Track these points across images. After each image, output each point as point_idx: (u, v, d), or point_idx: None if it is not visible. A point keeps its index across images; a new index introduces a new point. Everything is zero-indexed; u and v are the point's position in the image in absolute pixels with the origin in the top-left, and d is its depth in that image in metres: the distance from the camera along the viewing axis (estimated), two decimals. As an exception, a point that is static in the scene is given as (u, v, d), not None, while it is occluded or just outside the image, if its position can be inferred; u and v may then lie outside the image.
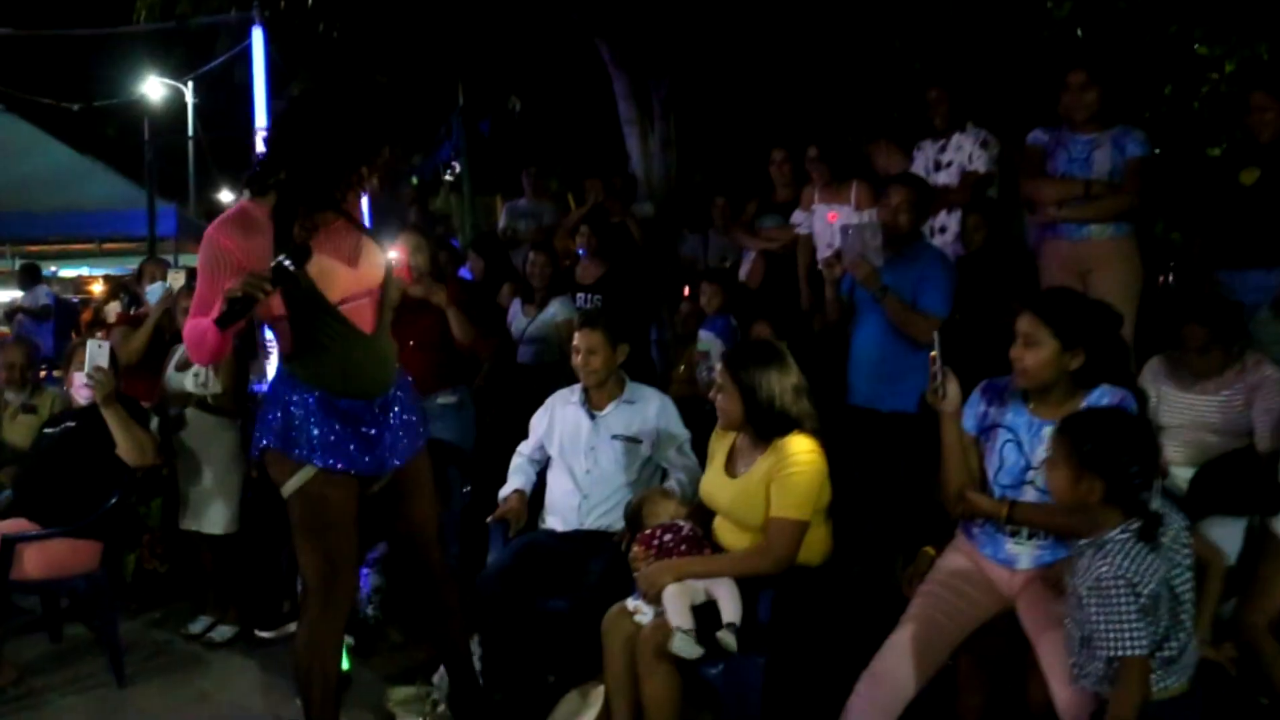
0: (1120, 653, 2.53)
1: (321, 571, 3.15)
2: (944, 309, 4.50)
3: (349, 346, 3.13)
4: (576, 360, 4.28)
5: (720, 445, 3.79)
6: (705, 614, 3.36)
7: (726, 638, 3.28)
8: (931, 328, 4.35)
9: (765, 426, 3.53)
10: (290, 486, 3.14)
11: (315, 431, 3.12)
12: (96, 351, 4.51)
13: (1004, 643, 3.16)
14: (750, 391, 3.51)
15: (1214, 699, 2.93)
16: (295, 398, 3.14)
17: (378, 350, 3.22)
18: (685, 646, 3.26)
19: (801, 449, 3.49)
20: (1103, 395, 3.04)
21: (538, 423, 4.44)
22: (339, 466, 3.13)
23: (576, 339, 4.30)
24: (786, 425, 3.52)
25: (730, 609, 3.34)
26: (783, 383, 3.52)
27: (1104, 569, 2.55)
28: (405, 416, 3.29)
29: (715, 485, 3.72)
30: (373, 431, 3.18)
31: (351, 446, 3.15)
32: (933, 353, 3.23)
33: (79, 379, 4.63)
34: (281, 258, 2.91)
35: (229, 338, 2.96)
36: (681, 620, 3.30)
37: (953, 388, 3.24)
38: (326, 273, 3.06)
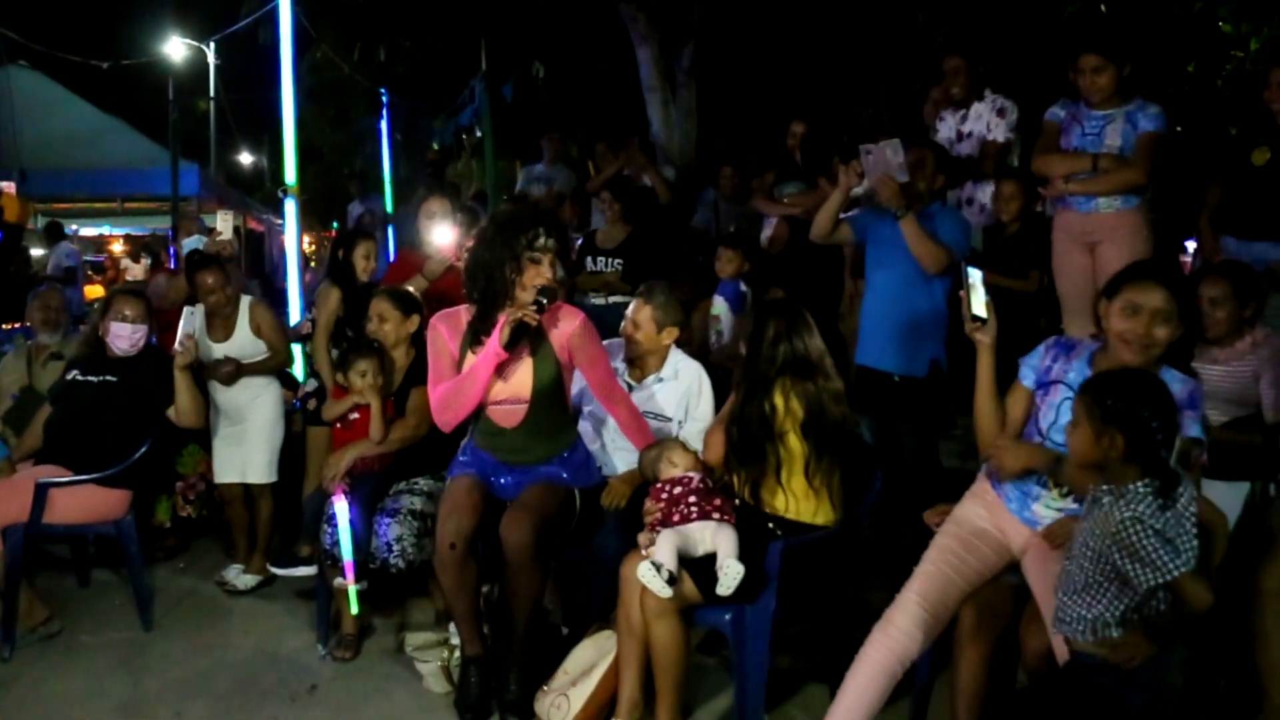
0: (1166, 577, 2.56)
1: (437, 534, 3.83)
2: (956, 245, 4.57)
3: (492, 433, 3.93)
4: (623, 328, 4.33)
5: None
6: (707, 565, 3.43)
7: (730, 572, 3.35)
8: (944, 257, 4.48)
9: None
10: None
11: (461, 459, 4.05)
12: (189, 319, 4.63)
13: (1006, 593, 3.23)
14: None
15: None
16: (468, 450, 4.04)
17: (519, 440, 3.91)
18: (649, 576, 3.33)
19: None
20: (1172, 380, 2.97)
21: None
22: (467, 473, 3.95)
23: (630, 307, 4.33)
24: None
25: (727, 551, 3.40)
26: None
27: (1125, 514, 2.59)
28: (548, 470, 3.94)
29: None
30: (509, 479, 3.94)
31: (485, 470, 3.95)
32: (969, 280, 3.21)
33: (116, 329, 4.72)
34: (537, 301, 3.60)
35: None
36: (664, 558, 3.37)
37: (992, 318, 3.23)
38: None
